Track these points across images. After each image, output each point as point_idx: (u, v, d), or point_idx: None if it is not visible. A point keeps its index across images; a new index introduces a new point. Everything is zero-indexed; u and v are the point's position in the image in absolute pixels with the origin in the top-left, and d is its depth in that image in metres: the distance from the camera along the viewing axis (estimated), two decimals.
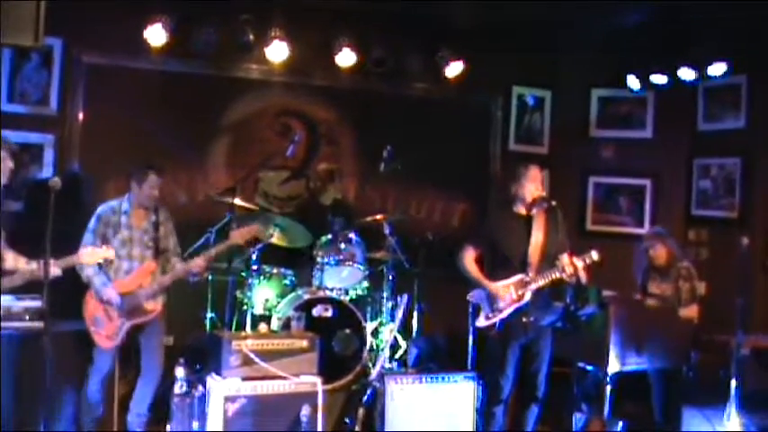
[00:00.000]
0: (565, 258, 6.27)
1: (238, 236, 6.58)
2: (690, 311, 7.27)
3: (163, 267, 6.51)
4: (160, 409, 6.50)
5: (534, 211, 6.36)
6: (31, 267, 5.44)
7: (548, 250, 6.31)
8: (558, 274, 6.21)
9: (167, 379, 6.53)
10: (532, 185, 6.36)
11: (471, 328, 6.89)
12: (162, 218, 6.53)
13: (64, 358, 6.18)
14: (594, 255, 6.19)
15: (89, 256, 5.69)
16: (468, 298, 6.50)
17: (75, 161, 8.12)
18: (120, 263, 6.32)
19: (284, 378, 6.22)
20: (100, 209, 6.38)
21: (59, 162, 8.06)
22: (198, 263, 6.43)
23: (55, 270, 5.36)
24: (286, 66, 8.64)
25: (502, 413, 6.46)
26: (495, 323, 6.28)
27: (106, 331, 6.19)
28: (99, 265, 6.21)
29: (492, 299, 6.32)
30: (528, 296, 6.22)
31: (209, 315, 7.61)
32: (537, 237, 6.30)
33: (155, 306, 6.35)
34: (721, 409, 6.41)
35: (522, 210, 6.41)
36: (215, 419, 6.05)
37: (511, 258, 6.31)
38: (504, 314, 6.24)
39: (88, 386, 6.25)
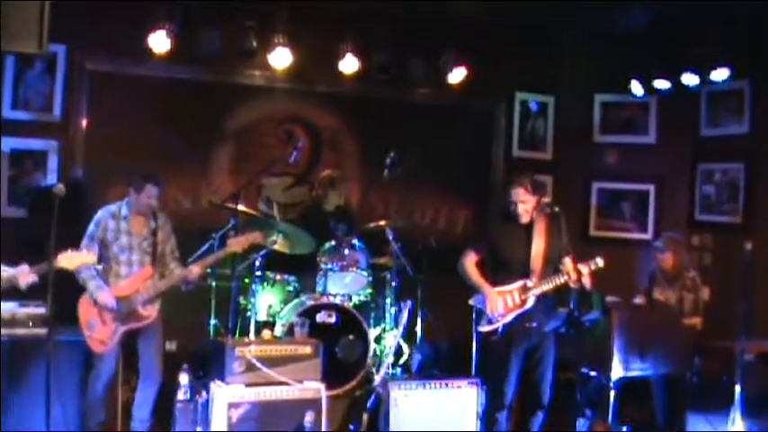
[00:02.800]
0: (568, 263, 6.26)
1: (237, 244, 6.56)
2: (692, 322, 7.25)
3: (161, 272, 6.51)
4: (164, 415, 6.51)
5: (535, 216, 6.34)
6: (8, 275, 5.30)
7: (550, 256, 6.29)
8: (561, 280, 6.19)
9: (171, 385, 6.54)
10: (522, 206, 6.32)
11: (475, 334, 6.88)
12: (160, 223, 6.51)
13: (67, 364, 6.21)
14: (600, 261, 6.15)
15: (67, 260, 5.45)
16: (470, 302, 6.48)
17: (78, 168, 8.13)
18: (119, 268, 6.31)
19: (288, 384, 6.23)
20: (99, 213, 6.35)
21: (63, 169, 8.06)
22: (194, 271, 6.43)
23: (31, 277, 5.32)
24: (289, 72, 8.65)
25: (505, 419, 6.44)
26: (497, 328, 6.26)
27: (99, 335, 6.14)
28: (96, 270, 6.22)
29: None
30: (531, 302, 6.20)
31: (212, 321, 7.61)
32: (538, 243, 6.27)
33: (150, 311, 6.31)
34: (725, 414, 6.41)
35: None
36: (219, 426, 6.06)
37: (512, 264, 6.29)
38: (507, 319, 6.23)
39: (89, 392, 6.23)
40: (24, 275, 5.29)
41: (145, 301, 6.26)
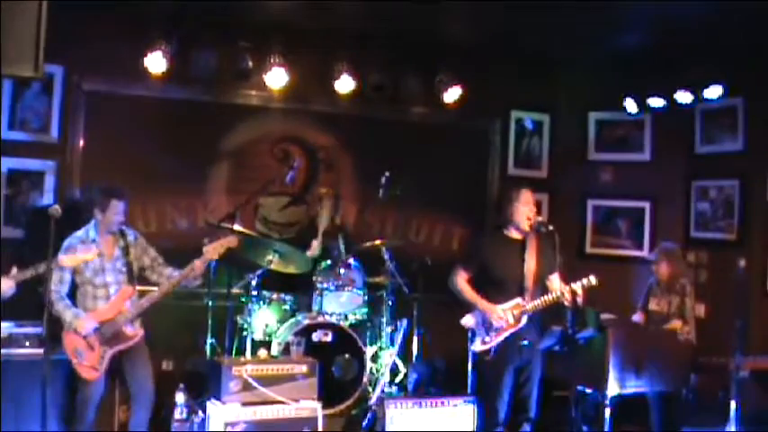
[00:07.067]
0: (554, 280, 6.28)
1: (213, 251, 6.38)
2: (673, 325, 7.19)
3: (141, 290, 6.39)
4: None
5: (529, 234, 6.36)
6: None
7: (541, 274, 6.31)
8: (553, 297, 6.19)
9: (167, 404, 6.53)
10: (526, 208, 6.36)
11: (470, 353, 6.88)
12: (129, 239, 6.37)
13: (63, 382, 6.21)
14: (593, 279, 6.14)
15: (70, 260, 5.55)
16: (461, 323, 6.47)
17: (75, 188, 8.15)
18: (95, 291, 6.19)
19: (284, 403, 6.24)
20: (66, 242, 6.11)
21: (60, 189, 8.09)
22: (198, 265, 6.28)
23: (9, 284, 5.34)
24: (285, 92, 8.69)
25: None
26: (490, 347, 6.26)
27: (89, 362, 6.04)
28: (71, 297, 6.15)
29: (488, 322, 6.31)
30: (524, 320, 6.21)
31: (209, 340, 7.60)
32: (532, 261, 6.29)
33: (136, 331, 6.23)
34: (721, 431, 6.41)
35: (515, 234, 6.40)
36: None
37: (505, 282, 6.29)
38: (501, 338, 6.23)
39: (78, 417, 6.14)
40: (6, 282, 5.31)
41: (128, 321, 6.18)
